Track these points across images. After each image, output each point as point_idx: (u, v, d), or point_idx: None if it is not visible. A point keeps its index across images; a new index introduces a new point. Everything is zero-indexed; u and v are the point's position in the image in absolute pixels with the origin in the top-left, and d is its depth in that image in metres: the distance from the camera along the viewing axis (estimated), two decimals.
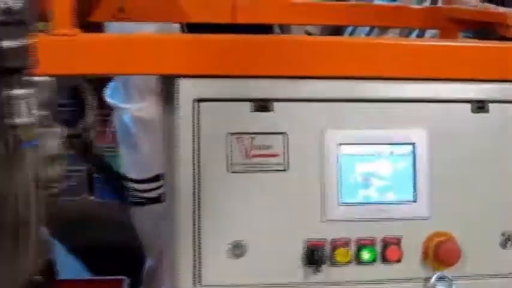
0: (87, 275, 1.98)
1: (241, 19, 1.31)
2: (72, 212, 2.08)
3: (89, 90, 0.93)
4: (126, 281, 1.57)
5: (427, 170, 0.92)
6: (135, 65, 0.89)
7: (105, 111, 1.59)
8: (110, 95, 1.49)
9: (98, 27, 1.43)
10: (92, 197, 2.13)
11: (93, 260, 1.98)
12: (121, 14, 1.30)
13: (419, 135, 0.93)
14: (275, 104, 0.90)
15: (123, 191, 1.36)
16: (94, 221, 2.02)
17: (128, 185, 1.39)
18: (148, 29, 1.38)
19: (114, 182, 1.32)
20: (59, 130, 0.78)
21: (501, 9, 1.25)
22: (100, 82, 1.59)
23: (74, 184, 2.16)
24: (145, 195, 1.42)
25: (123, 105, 1.45)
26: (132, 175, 1.43)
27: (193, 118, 0.88)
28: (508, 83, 0.95)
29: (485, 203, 0.94)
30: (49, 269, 1.51)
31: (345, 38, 1.00)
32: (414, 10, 1.42)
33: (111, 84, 1.50)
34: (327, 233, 0.90)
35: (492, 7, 1.33)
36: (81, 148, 1.00)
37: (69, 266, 1.99)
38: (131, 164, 1.45)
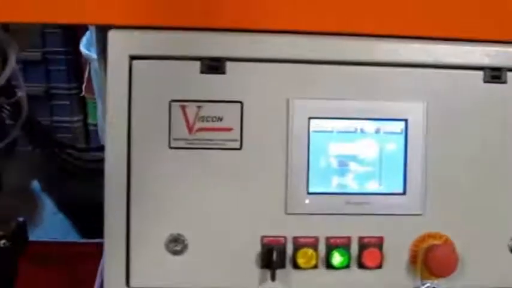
0: (75, 236, 1.87)
1: None
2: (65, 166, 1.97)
3: (9, 41, 0.77)
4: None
5: (423, 155, 0.73)
6: (59, 13, 0.72)
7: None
8: (85, 46, 1.34)
9: None
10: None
11: (83, 219, 1.86)
12: None
13: (414, 110, 0.73)
14: (229, 64, 0.71)
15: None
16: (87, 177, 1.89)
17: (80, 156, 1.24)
18: None
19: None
20: None
21: None
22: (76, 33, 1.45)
23: (69, 136, 2.06)
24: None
25: (95, 56, 1.30)
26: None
27: (127, 80, 0.71)
28: None
29: (493, 200, 0.75)
30: (19, 232, 1.38)
31: None
32: None
33: (86, 34, 1.34)
34: (290, 229, 0.73)
35: None
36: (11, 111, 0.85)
37: (56, 226, 1.88)
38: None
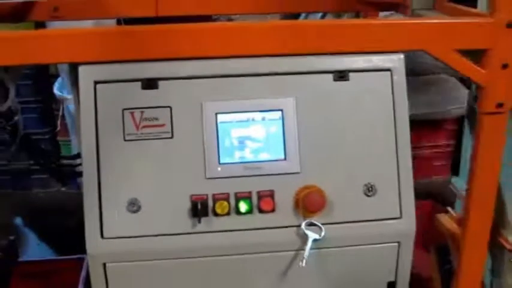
0: None
1: (163, 12, 1.58)
2: (44, 203, 2.38)
3: (8, 78, 1.20)
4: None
5: (295, 132, 1.17)
6: (43, 55, 1.16)
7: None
8: (58, 89, 1.77)
9: (42, 27, 1.73)
10: (63, 189, 2.41)
11: (63, 244, 2.24)
12: (56, 13, 1.57)
13: (287, 103, 1.17)
14: (160, 82, 1.15)
15: (60, 171, 1.61)
16: (64, 210, 2.29)
17: (63, 162, 1.64)
18: (86, 24, 1.65)
19: (48, 163, 1.57)
20: None
21: None
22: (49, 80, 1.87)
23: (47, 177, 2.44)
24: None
25: (68, 96, 1.72)
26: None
27: (93, 97, 1.15)
28: (365, 55, 1.19)
29: (349, 159, 1.18)
30: (10, 248, 1.80)
31: (218, 24, 1.24)
32: None
33: (58, 79, 1.77)
34: (209, 189, 1.15)
35: None
36: (10, 130, 1.28)
37: (40, 252, 2.28)
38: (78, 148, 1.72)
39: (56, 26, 1.65)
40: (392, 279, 1.23)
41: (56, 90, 1.77)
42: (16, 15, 1.54)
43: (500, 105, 1.25)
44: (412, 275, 1.25)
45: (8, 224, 2.31)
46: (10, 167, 2.27)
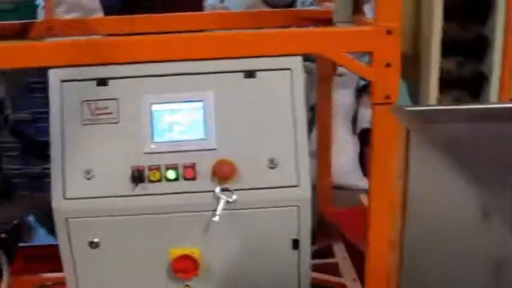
0: None
1: (138, 29, 1.98)
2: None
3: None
4: None
5: (213, 118, 1.54)
6: (23, 61, 1.57)
7: None
8: None
9: None
10: None
11: None
12: (51, 31, 2.00)
13: (207, 95, 1.55)
14: (110, 81, 1.54)
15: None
16: None
17: None
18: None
19: (37, 149, 1.97)
20: None
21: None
22: None
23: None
24: None
25: None
26: None
27: (59, 93, 1.54)
28: (270, 58, 1.55)
29: (256, 139, 1.54)
30: (14, 231, 2.23)
31: (153, 36, 1.61)
32: (277, 12, 2.05)
33: None
34: (145, 162, 1.53)
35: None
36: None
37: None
38: None
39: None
40: (296, 237, 1.57)
41: None
42: (19, 33, 1.97)
43: (387, 97, 1.60)
44: None
45: (23, 221, 2.75)
46: (26, 171, 2.71)
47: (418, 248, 1.08)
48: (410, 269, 1.13)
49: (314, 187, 2.34)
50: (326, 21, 1.98)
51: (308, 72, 2.68)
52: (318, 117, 2.35)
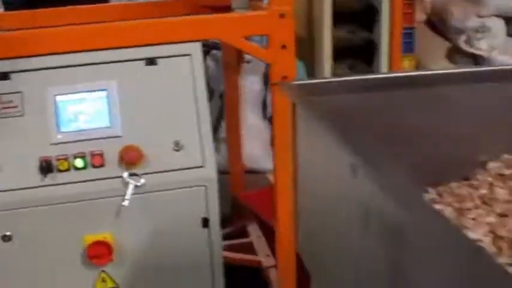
0: None
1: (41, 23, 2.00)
2: None
3: None
4: None
5: (118, 106, 1.59)
6: None
7: None
8: None
9: None
10: None
11: None
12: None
13: (111, 84, 1.60)
14: (12, 74, 1.57)
15: None
16: None
17: None
18: None
19: None
20: None
21: None
22: None
23: None
24: None
25: None
26: None
27: None
28: (169, 45, 1.62)
29: (160, 124, 1.60)
30: None
31: (54, 29, 1.65)
32: (179, 2, 2.12)
33: None
34: (53, 152, 1.57)
35: None
36: None
37: None
38: None
39: None
40: (205, 215, 1.65)
41: None
42: None
43: (284, 77, 1.69)
44: None
45: None
46: None
47: (309, 212, 1.18)
48: (305, 231, 1.22)
49: (228, 172, 2.43)
50: (225, 8, 2.05)
51: (216, 60, 2.76)
52: (225, 104, 2.43)
